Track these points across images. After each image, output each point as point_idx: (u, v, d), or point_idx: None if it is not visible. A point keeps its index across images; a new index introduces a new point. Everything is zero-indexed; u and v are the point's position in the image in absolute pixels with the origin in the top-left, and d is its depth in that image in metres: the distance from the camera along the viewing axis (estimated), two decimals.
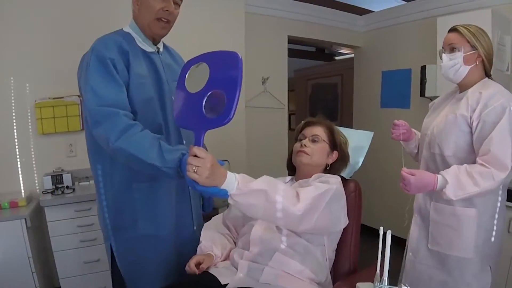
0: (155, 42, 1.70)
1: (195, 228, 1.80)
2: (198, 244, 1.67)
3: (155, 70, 1.65)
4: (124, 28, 1.68)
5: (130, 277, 1.70)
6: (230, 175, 1.17)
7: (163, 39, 1.77)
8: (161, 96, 1.63)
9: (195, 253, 1.65)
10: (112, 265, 1.71)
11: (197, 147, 1.12)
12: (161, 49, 1.74)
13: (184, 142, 1.70)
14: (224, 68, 1.16)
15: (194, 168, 1.10)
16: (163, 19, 1.60)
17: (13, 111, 2.77)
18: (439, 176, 1.59)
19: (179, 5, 1.65)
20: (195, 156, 1.11)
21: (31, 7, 2.73)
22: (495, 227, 1.70)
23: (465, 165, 1.60)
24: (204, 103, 1.16)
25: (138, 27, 1.65)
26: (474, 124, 1.63)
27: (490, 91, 1.63)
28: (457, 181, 1.56)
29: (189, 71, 1.28)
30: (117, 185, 1.61)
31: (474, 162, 1.62)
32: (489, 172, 1.53)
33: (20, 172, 2.80)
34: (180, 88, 1.27)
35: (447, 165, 1.70)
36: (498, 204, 1.70)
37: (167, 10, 1.58)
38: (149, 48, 1.67)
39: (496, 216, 1.70)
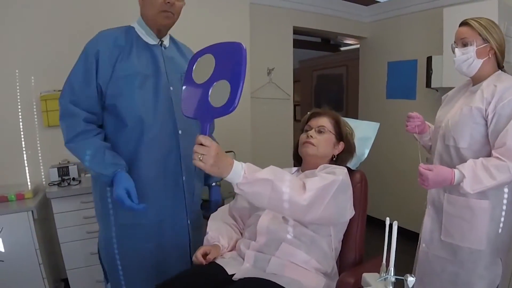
0: (160, 34, 1.75)
1: (189, 222, 1.83)
2: (189, 238, 1.74)
3: (155, 61, 1.72)
4: (132, 23, 1.76)
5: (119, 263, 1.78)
6: (237, 164, 1.19)
7: (173, 34, 1.83)
8: (158, 86, 1.69)
9: (186, 246, 1.73)
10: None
11: (202, 135, 1.14)
12: (165, 42, 1.79)
13: (180, 132, 1.73)
14: (229, 59, 1.18)
15: (199, 156, 1.12)
16: (167, 11, 1.64)
17: (19, 103, 2.77)
18: (456, 171, 1.61)
19: None
20: (201, 144, 1.12)
21: (35, 0, 2.73)
22: (502, 219, 1.71)
23: (481, 158, 1.61)
24: (210, 93, 1.18)
25: (143, 21, 1.72)
26: (490, 117, 1.64)
27: (505, 84, 1.63)
28: (474, 175, 1.58)
29: (196, 63, 1.30)
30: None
31: (489, 154, 1.63)
32: (504, 165, 1.54)
33: (26, 165, 2.81)
34: (188, 80, 1.30)
35: (461, 157, 1.72)
36: (506, 196, 1.70)
37: (168, 2, 1.62)
38: (151, 41, 1.74)
39: (504, 207, 1.70)
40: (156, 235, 1.75)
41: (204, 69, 1.24)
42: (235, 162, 1.19)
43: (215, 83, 1.18)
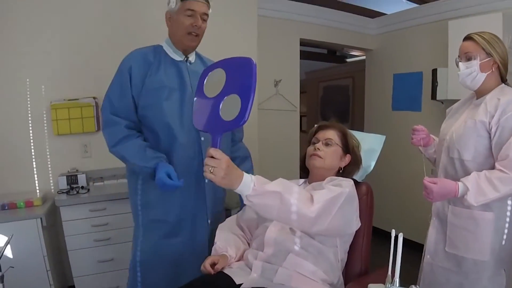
0: (186, 53, 1.95)
1: (209, 221, 1.98)
2: (211, 238, 1.80)
3: (181, 76, 1.90)
4: (160, 42, 1.96)
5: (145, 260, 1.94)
6: (247, 176, 1.21)
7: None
8: (183, 98, 1.88)
9: (207, 244, 1.83)
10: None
11: (213, 148, 1.17)
12: (190, 58, 1.97)
13: (202, 139, 1.90)
14: (239, 73, 1.22)
15: (210, 168, 1.15)
16: (193, 33, 1.85)
17: (29, 112, 2.81)
18: (460, 184, 1.63)
19: (206, 20, 1.89)
20: (212, 157, 1.15)
21: (47, 10, 2.77)
22: (506, 230, 1.72)
23: (484, 171, 1.63)
24: (220, 107, 1.21)
25: (171, 41, 1.93)
26: (493, 130, 1.66)
27: (508, 97, 1.66)
28: (477, 187, 1.60)
29: (207, 77, 1.33)
30: (140, 175, 1.93)
31: (493, 166, 1.65)
32: (508, 177, 1.56)
33: (35, 172, 2.85)
34: (199, 93, 1.33)
35: (466, 170, 1.74)
36: (509, 208, 1.72)
37: (195, 25, 1.82)
38: (177, 57, 1.93)
39: (508, 219, 1.72)
40: (177, 232, 1.93)
41: (215, 83, 1.28)
42: (245, 174, 1.21)
43: (225, 97, 1.21)
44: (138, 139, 1.86)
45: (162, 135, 1.86)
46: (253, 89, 1.16)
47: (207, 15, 1.88)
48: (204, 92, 1.31)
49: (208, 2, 1.87)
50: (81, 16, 2.88)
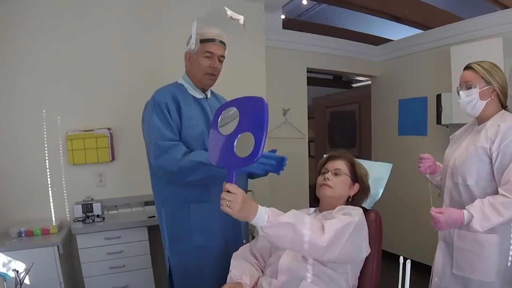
0: (204, 90, 2.08)
1: (244, 241, 2.06)
2: None
3: (204, 112, 2.02)
4: (178, 80, 2.07)
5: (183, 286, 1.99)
6: (261, 209, 1.29)
7: (213, 88, 2.14)
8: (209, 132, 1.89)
9: None
10: (169, 276, 2.04)
11: (229, 183, 1.25)
12: (208, 96, 2.11)
13: None
14: (252, 113, 1.30)
15: (227, 202, 1.23)
16: (211, 74, 1.98)
17: (45, 142, 2.90)
18: (465, 211, 1.69)
19: (222, 62, 2.04)
20: (228, 191, 1.23)
21: (64, 44, 2.89)
22: (511, 252, 1.76)
23: (488, 197, 1.68)
24: (235, 144, 1.28)
25: (190, 79, 2.04)
26: (494, 155, 1.73)
27: (507, 123, 1.73)
28: (482, 214, 1.65)
29: (221, 115, 1.40)
30: (175, 205, 1.95)
31: (496, 189, 1.71)
32: (510, 202, 1.62)
33: (51, 201, 2.91)
34: (214, 130, 1.40)
35: (470, 194, 1.80)
36: None
37: (213, 67, 1.97)
38: (198, 95, 2.05)
39: None
40: (221, 256, 1.98)
41: (229, 121, 1.35)
42: (260, 207, 1.29)
43: (239, 135, 1.28)
44: (202, 151, 1.86)
45: None
46: (265, 128, 1.23)
47: (223, 57, 2.02)
48: (219, 129, 1.38)
49: (224, 45, 2.01)
50: (97, 51, 2.99)
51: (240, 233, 2.06)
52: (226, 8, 1.91)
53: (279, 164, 1.90)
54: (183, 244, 1.97)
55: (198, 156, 1.79)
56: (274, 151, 1.90)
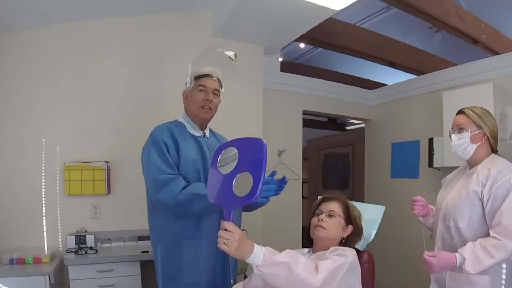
0: (202, 127, 2.11)
1: (231, 281, 2.03)
2: None
3: (201, 150, 2.04)
4: (178, 118, 2.12)
5: None
6: (257, 248, 1.31)
7: (212, 127, 2.21)
8: (205, 170, 1.98)
9: None
10: None
11: (227, 222, 1.28)
12: (207, 134, 2.13)
13: None
14: (251, 153, 1.33)
15: (224, 240, 1.25)
16: (206, 107, 2.03)
17: (43, 170, 2.94)
18: (457, 255, 1.72)
19: (218, 96, 2.09)
20: (225, 229, 1.26)
21: (69, 77, 2.99)
22: None
23: (479, 240, 1.72)
24: (234, 183, 1.32)
25: (188, 117, 2.09)
26: (485, 199, 1.77)
27: (498, 167, 1.78)
28: (474, 256, 1.68)
29: (220, 155, 1.44)
30: (171, 241, 1.94)
31: (487, 232, 1.75)
32: (501, 244, 1.65)
33: (45, 230, 2.92)
34: (213, 169, 1.44)
35: (461, 237, 1.83)
36: (504, 271, 1.79)
37: (207, 99, 2.01)
38: (196, 133, 2.08)
39: (503, 282, 1.79)
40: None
41: (228, 161, 1.39)
42: (256, 246, 1.31)
43: (238, 174, 1.32)
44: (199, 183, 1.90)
45: None
46: (264, 169, 1.26)
47: (218, 91, 2.07)
48: (218, 168, 1.41)
49: (219, 81, 2.08)
50: (99, 87, 3.09)
51: (229, 272, 2.05)
52: (215, 44, 2.02)
53: (279, 186, 1.93)
54: (176, 281, 1.96)
55: (195, 188, 1.81)
56: (273, 174, 1.93)
